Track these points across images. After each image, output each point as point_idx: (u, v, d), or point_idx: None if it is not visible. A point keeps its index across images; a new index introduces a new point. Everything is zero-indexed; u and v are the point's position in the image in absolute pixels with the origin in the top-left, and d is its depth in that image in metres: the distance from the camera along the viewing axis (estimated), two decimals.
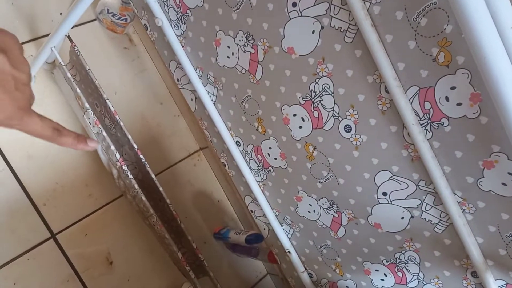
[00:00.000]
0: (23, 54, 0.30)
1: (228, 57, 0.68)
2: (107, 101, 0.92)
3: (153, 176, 0.98)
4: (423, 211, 0.59)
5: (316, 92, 0.60)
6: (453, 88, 0.49)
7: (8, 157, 0.97)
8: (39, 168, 1.01)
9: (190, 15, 0.69)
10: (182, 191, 1.18)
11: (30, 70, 0.31)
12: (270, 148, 0.72)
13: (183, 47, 0.73)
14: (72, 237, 1.02)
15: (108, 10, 1.05)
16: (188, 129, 1.21)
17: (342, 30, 0.54)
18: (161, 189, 0.99)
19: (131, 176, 0.95)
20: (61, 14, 1.07)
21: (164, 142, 1.19)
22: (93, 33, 1.12)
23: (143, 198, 0.96)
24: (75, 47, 0.89)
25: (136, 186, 0.96)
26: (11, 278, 0.93)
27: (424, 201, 0.58)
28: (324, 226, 0.73)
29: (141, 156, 0.98)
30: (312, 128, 0.64)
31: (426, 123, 0.53)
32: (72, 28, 1.02)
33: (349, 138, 0.60)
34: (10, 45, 0.28)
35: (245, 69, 0.67)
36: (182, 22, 0.71)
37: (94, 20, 1.12)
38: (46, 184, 1.02)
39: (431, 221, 0.59)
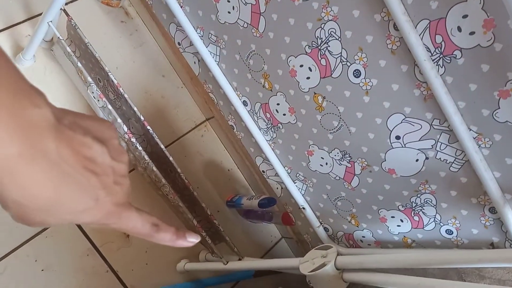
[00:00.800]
0: (120, 144, 0.27)
1: (229, 12, 0.66)
2: (109, 73, 0.91)
3: (162, 146, 0.98)
4: (438, 151, 0.58)
5: (322, 38, 0.59)
6: (465, 16, 0.47)
7: None
8: None
9: None
10: (192, 162, 1.18)
11: (128, 161, 0.27)
12: (278, 104, 0.72)
13: (181, 7, 0.71)
14: None
15: None
16: (192, 100, 1.20)
17: None
18: (171, 158, 0.99)
19: (140, 148, 0.95)
20: None
21: (170, 114, 1.18)
22: (88, 9, 1.10)
23: (154, 168, 0.97)
24: (71, 21, 0.88)
25: (146, 157, 0.96)
26: (32, 255, 0.95)
27: (439, 140, 0.57)
28: (337, 178, 0.73)
29: (149, 128, 0.97)
30: (320, 78, 0.63)
31: (438, 57, 0.51)
32: (66, 4, 1.00)
33: (359, 83, 0.59)
34: (108, 134, 0.25)
35: (247, 23, 0.65)
36: None
37: None
38: None
39: (447, 160, 0.58)
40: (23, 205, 0.20)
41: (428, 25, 0.50)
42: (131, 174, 1.09)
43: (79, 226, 1.01)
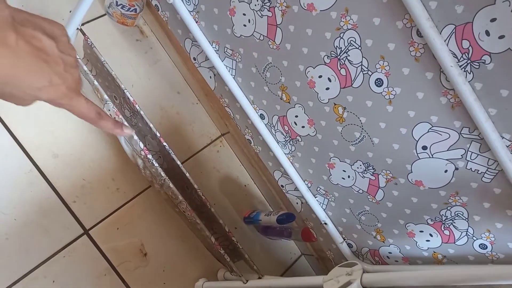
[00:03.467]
0: (70, 42, 0.33)
1: (245, 25, 0.66)
2: (125, 91, 0.91)
3: (178, 162, 0.97)
4: (468, 161, 0.55)
5: (341, 48, 0.57)
6: (493, 20, 0.45)
7: (34, 157, 0.98)
8: (65, 166, 1.01)
9: None
10: (208, 178, 1.17)
11: (76, 55, 0.34)
12: (296, 116, 0.70)
13: (196, 22, 0.71)
14: (105, 232, 1.02)
15: (117, 2, 1.04)
16: (207, 116, 1.19)
17: None
18: (187, 175, 0.98)
19: (156, 164, 0.94)
20: (70, 12, 1.07)
21: (185, 130, 1.18)
22: (104, 29, 1.12)
23: (171, 185, 0.96)
24: (88, 40, 0.89)
25: (162, 173, 0.95)
26: (50, 276, 0.94)
27: (469, 149, 0.54)
28: (360, 191, 0.70)
29: (165, 144, 0.97)
30: (340, 88, 0.61)
31: (466, 63, 0.49)
32: (82, 25, 1.02)
33: (381, 92, 0.57)
34: (57, 32, 0.31)
35: (263, 35, 0.64)
36: None
37: (104, 15, 1.11)
38: (74, 181, 1.02)
39: (478, 170, 0.55)
40: None
41: (454, 30, 0.48)
42: (147, 191, 1.08)
43: (96, 245, 1.00)
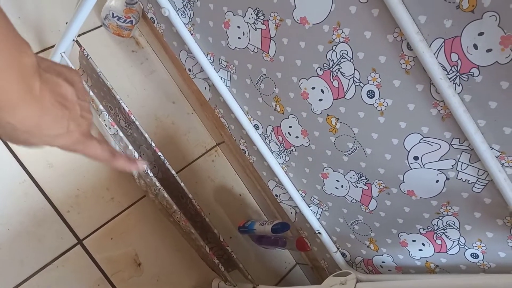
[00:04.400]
0: (84, 87, 0.34)
1: (239, 37, 0.67)
2: (120, 101, 0.92)
3: (173, 172, 0.98)
4: (459, 171, 0.56)
5: (334, 60, 0.59)
6: (481, 34, 0.46)
7: (28, 167, 0.98)
8: (60, 176, 1.01)
9: (196, 0, 0.68)
10: (203, 188, 1.17)
11: (90, 100, 0.34)
12: (290, 127, 0.71)
13: (192, 34, 0.72)
14: (99, 242, 1.01)
15: (113, 14, 1.05)
16: (202, 125, 1.20)
17: None
18: (182, 184, 0.98)
19: (151, 174, 0.94)
20: (67, 23, 1.07)
21: (180, 140, 1.18)
22: (100, 40, 1.12)
23: (165, 195, 0.96)
24: (84, 51, 0.89)
25: (157, 183, 0.95)
26: (43, 286, 0.93)
27: (459, 160, 0.55)
28: (354, 201, 0.71)
29: (160, 154, 0.97)
30: (333, 99, 0.62)
31: (455, 76, 0.50)
32: (79, 36, 1.02)
33: (373, 104, 0.58)
34: (75, 78, 0.32)
35: (257, 48, 0.66)
36: (188, 9, 0.70)
37: (100, 26, 1.12)
38: (68, 191, 1.02)
39: (469, 180, 0.56)
40: (15, 127, 0.27)
41: (443, 44, 0.49)
42: (142, 201, 1.08)
43: (90, 255, 0.99)
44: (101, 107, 0.92)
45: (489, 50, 0.46)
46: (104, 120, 0.93)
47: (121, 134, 0.93)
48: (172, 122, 1.17)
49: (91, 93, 0.90)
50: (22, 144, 0.31)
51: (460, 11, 0.46)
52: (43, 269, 0.93)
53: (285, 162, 0.77)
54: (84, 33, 1.09)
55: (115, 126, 0.93)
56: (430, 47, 0.50)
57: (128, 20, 1.06)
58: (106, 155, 0.35)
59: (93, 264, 1.00)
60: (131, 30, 1.10)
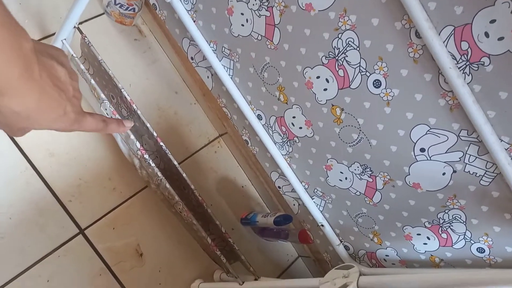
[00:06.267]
0: (71, 66, 0.34)
1: (243, 25, 0.65)
2: (122, 90, 0.91)
3: (175, 162, 0.97)
4: (466, 163, 0.55)
5: (339, 48, 0.57)
6: (492, 21, 0.45)
7: (30, 156, 0.97)
8: (61, 165, 1.00)
9: None
10: (205, 179, 1.16)
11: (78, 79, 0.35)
12: (294, 117, 0.69)
13: (194, 21, 0.70)
14: (100, 232, 1.01)
15: (115, 1, 1.04)
16: (205, 116, 1.19)
17: None
18: (184, 175, 0.97)
19: (153, 164, 0.94)
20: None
21: (183, 130, 1.17)
22: (102, 28, 1.11)
23: (167, 185, 0.95)
24: (85, 38, 0.88)
25: (159, 173, 0.94)
26: (45, 275, 0.93)
27: (467, 152, 0.54)
28: (358, 193, 0.70)
29: (162, 144, 0.96)
30: (338, 89, 0.61)
31: (465, 65, 0.49)
32: (80, 24, 1.01)
33: (379, 94, 0.57)
34: (63, 59, 0.32)
35: (261, 35, 0.64)
36: None
37: (102, 14, 1.11)
38: (70, 180, 1.02)
39: (476, 173, 0.55)
40: (16, 113, 0.26)
41: (453, 32, 0.48)
42: (144, 191, 1.07)
43: (92, 245, 0.99)
44: (102, 96, 0.91)
45: (501, 38, 0.45)
46: (106, 109, 0.92)
47: (122, 118, 0.92)
48: (175, 112, 1.15)
49: (92, 81, 0.89)
50: (19, 132, 0.31)
51: None
52: (44, 259, 0.93)
53: (288, 153, 0.76)
54: (86, 21, 1.08)
55: (117, 116, 0.92)
56: (439, 35, 0.48)
57: (130, 7, 1.04)
58: (100, 125, 0.36)
59: (95, 254, 1.00)
60: (133, 18, 1.08)
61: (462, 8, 0.46)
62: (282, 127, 0.73)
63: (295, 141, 0.73)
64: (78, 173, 1.02)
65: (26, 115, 0.27)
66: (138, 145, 0.93)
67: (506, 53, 0.45)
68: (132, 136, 0.92)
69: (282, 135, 0.74)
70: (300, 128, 0.70)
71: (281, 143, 0.75)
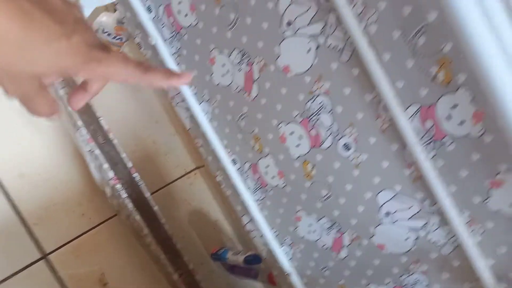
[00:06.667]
0: None
1: (223, 75, 0.67)
2: (99, 119, 0.90)
3: (147, 195, 0.96)
4: (428, 231, 0.56)
5: (313, 110, 0.59)
6: (454, 106, 0.47)
7: None
8: (31, 186, 0.98)
9: (184, 34, 0.67)
10: (178, 210, 1.15)
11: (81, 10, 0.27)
12: (267, 166, 0.70)
13: (177, 65, 0.71)
14: (65, 258, 0.98)
15: (103, 29, 1.04)
16: (184, 147, 1.19)
17: (338, 49, 0.52)
18: (155, 208, 0.96)
19: (124, 195, 0.93)
20: None
21: (160, 160, 1.16)
22: None
23: (137, 217, 0.94)
24: None
25: (129, 205, 0.93)
26: None
27: (430, 221, 0.56)
28: (325, 247, 0.70)
29: (135, 175, 0.96)
30: (310, 147, 0.62)
31: (428, 141, 0.51)
32: None
33: (349, 156, 0.58)
34: None
35: (240, 87, 0.65)
36: (176, 40, 0.70)
37: None
38: (38, 203, 0.99)
39: (438, 241, 0.56)
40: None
41: (418, 109, 0.50)
42: (113, 219, 1.05)
43: (55, 271, 0.96)
44: (79, 122, 0.90)
45: (462, 122, 0.47)
46: (82, 136, 0.91)
47: (96, 152, 0.91)
48: (153, 141, 1.15)
49: (69, 108, 0.89)
50: (27, 69, 0.24)
51: (435, 83, 0.47)
52: (4, 282, 0.89)
53: (260, 199, 0.76)
54: None
55: (92, 143, 0.91)
56: (406, 111, 0.50)
57: (118, 37, 1.05)
58: (132, 68, 0.27)
59: (57, 281, 0.97)
60: (120, 46, 1.09)
61: (428, 90, 0.48)
62: (256, 174, 0.73)
63: (267, 190, 0.73)
64: (47, 195, 0.99)
65: (13, 42, 0.22)
66: (111, 174, 0.92)
67: (466, 136, 0.47)
68: (105, 165, 0.91)
69: (255, 182, 0.75)
70: (273, 177, 0.71)
71: (254, 189, 0.76)
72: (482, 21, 0.35)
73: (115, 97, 1.12)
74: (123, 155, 0.92)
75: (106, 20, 1.03)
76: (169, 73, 0.29)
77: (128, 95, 1.14)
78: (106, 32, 1.04)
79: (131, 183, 0.99)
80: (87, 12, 0.67)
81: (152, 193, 1.00)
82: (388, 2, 0.47)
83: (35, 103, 0.27)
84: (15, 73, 0.25)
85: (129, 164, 0.94)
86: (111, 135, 0.92)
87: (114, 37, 1.05)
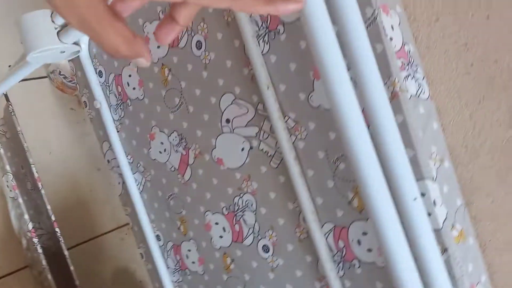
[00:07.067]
0: None
1: (160, 152, 0.67)
2: (32, 166, 0.86)
3: (66, 253, 0.90)
4: None
5: (239, 206, 0.59)
6: (365, 233, 0.49)
7: None
8: None
9: (129, 105, 0.68)
10: (104, 265, 1.08)
11: None
12: (189, 250, 0.69)
13: (118, 131, 0.71)
14: None
15: (60, 72, 1.03)
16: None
17: (269, 154, 0.54)
18: (71, 268, 0.90)
19: (40, 251, 0.86)
20: (9, 66, 1.03)
21: (94, 209, 1.11)
22: (41, 89, 1.09)
23: (49, 276, 0.87)
24: (10, 107, 0.85)
25: (44, 262, 0.86)
26: None
27: None
28: None
29: (57, 229, 0.90)
30: (232, 241, 0.62)
31: (340, 260, 0.52)
32: (20, 81, 0.98)
33: (267, 258, 0.58)
34: None
35: (175, 168, 0.65)
36: (121, 109, 0.70)
37: (45, 77, 1.09)
38: None
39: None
40: None
41: (333, 228, 0.51)
42: (23, 271, 0.96)
43: None
44: (7, 167, 0.85)
45: (369, 250, 0.49)
46: (7, 182, 0.86)
47: (20, 200, 0.86)
48: (91, 190, 1.10)
49: (1, 151, 0.84)
50: None
51: (351, 207, 0.49)
52: None
53: (178, 281, 0.73)
54: (28, 80, 1.05)
55: (16, 191, 0.86)
56: (322, 227, 0.52)
57: (73, 81, 1.04)
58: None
59: None
60: (75, 90, 1.08)
61: (343, 212, 0.50)
62: (177, 255, 0.71)
63: (186, 273, 0.71)
64: None
65: None
66: (30, 226, 0.86)
67: (372, 263, 0.49)
68: (25, 216, 0.86)
69: (176, 263, 0.72)
70: (193, 262, 0.69)
71: (173, 270, 0.73)
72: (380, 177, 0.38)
73: (59, 138, 1.08)
74: (48, 206, 0.87)
75: (64, 63, 1.02)
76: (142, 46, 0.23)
77: (74, 139, 1.10)
78: (62, 74, 1.03)
79: (52, 236, 0.93)
80: (34, 66, 0.66)
81: (78, 244, 0.93)
82: (317, 125, 0.50)
83: (102, 33, 0.21)
84: None
85: (53, 218, 0.89)
86: (39, 184, 0.87)
87: (70, 81, 1.04)
